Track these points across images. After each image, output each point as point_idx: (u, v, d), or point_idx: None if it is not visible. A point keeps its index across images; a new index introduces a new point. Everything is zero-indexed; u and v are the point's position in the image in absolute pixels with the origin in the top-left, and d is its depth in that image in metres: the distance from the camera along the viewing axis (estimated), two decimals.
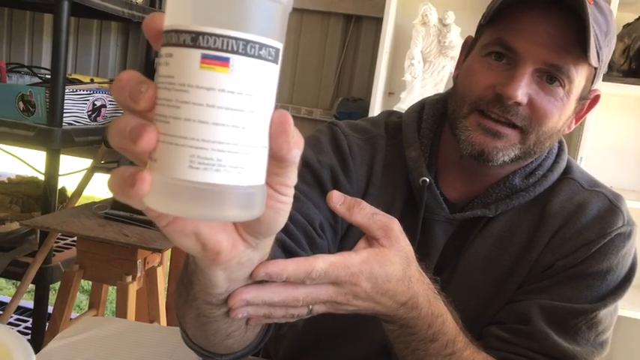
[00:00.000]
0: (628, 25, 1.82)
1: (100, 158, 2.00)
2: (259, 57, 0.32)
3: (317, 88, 2.30)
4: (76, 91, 1.93)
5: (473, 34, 0.80)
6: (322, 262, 0.51)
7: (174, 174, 0.32)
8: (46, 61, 2.53)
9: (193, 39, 0.31)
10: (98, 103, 2.03)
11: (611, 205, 0.77)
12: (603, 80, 1.74)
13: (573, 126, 0.78)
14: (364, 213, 0.55)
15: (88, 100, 1.98)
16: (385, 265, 0.55)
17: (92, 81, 2.09)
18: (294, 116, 1.88)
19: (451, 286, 0.77)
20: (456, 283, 0.78)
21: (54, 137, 1.79)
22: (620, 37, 1.81)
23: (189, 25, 0.31)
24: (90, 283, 2.14)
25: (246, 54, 0.32)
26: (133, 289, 1.56)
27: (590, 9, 0.66)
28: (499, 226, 0.78)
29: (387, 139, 0.84)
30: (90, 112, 1.99)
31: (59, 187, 1.92)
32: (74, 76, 2.10)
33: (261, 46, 0.32)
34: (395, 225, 0.57)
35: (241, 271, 0.46)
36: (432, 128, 0.82)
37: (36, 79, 2.08)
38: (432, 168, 0.81)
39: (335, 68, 2.26)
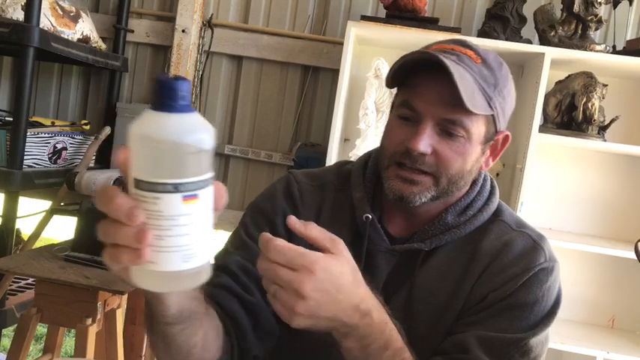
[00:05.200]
0: (560, 82, 2.01)
1: (60, 200, 2.00)
2: (207, 185, 0.51)
3: (276, 133, 2.39)
4: (38, 133, 1.95)
5: None
6: (281, 241, 0.64)
7: (171, 269, 0.50)
8: (2, 102, 2.53)
9: (175, 187, 0.48)
10: (59, 146, 2.05)
11: (534, 244, 0.86)
12: (539, 131, 1.91)
13: (491, 163, 0.90)
14: (317, 228, 0.67)
15: (49, 142, 2.00)
16: (337, 265, 0.66)
17: (53, 124, 2.11)
18: (254, 160, 2.01)
19: (399, 314, 0.83)
20: (403, 311, 0.85)
21: (13, 180, 1.80)
22: (552, 93, 2.00)
23: (164, 178, 0.48)
24: (40, 329, 2.10)
25: (204, 186, 0.50)
26: (93, 331, 1.56)
27: (477, 67, 0.80)
28: (438, 261, 0.87)
29: (337, 184, 0.95)
30: (51, 155, 2.01)
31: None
32: (34, 118, 2.12)
33: (207, 179, 0.51)
34: (341, 241, 0.68)
35: (188, 292, 0.64)
36: (375, 173, 0.93)
37: None
38: (377, 207, 0.91)
39: (294, 115, 2.37)
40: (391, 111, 0.90)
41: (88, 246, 1.66)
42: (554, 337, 2.00)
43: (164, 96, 0.48)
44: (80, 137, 2.16)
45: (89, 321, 1.55)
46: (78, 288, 1.52)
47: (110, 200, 0.49)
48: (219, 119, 2.42)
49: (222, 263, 0.86)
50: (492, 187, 0.93)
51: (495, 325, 0.81)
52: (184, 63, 2.30)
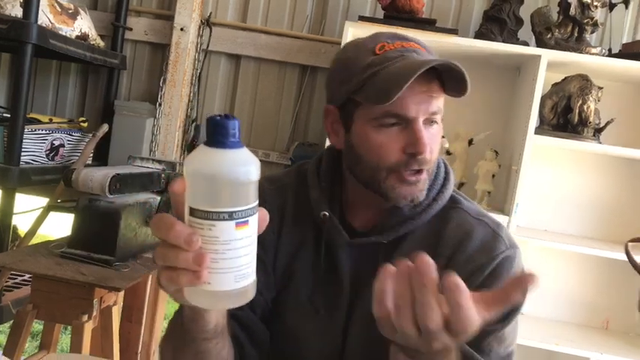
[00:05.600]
0: (556, 84, 2.02)
1: (57, 197, 2.01)
2: (255, 212, 0.56)
3: (274, 132, 2.40)
4: (35, 130, 1.95)
5: None
6: None
7: (225, 288, 0.55)
8: (0, 98, 2.53)
9: (229, 215, 0.53)
10: (57, 143, 2.05)
11: (494, 233, 0.88)
12: (535, 133, 1.93)
13: None
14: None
15: (46, 139, 2.00)
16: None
17: (51, 121, 2.12)
18: None
19: (368, 307, 0.85)
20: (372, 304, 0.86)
21: (10, 176, 1.80)
22: (548, 95, 2.01)
23: (220, 207, 0.53)
24: (36, 326, 2.10)
25: (253, 214, 0.55)
26: (89, 328, 1.56)
27: (432, 54, 0.84)
28: (402, 253, 0.87)
29: (296, 185, 0.96)
30: (48, 152, 2.01)
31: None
32: (32, 115, 2.12)
33: (255, 206, 0.56)
34: None
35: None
36: (329, 172, 0.94)
37: None
38: (336, 204, 0.92)
39: (291, 114, 2.37)
40: (349, 129, 0.87)
41: (84, 243, 1.66)
42: (550, 338, 2.01)
43: (217, 134, 0.53)
44: (78, 134, 2.16)
45: (85, 317, 1.55)
46: (74, 285, 1.52)
47: (170, 228, 0.53)
48: None
49: None
50: (447, 172, 0.93)
51: None
52: (182, 61, 2.30)
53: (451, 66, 0.78)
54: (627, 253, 0.80)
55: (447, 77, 0.81)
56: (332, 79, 0.90)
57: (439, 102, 0.83)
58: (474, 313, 0.58)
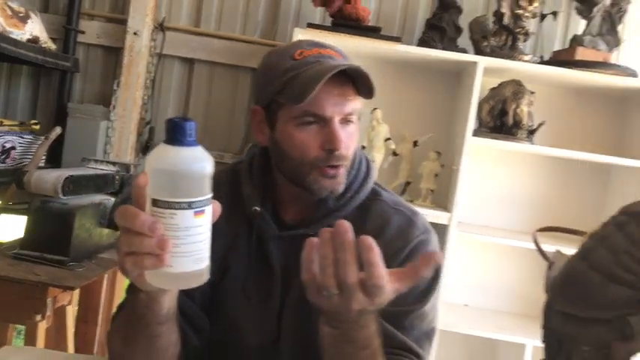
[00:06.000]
0: (493, 89, 2.16)
1: (8, 199, 2.01)
2: (210, 203, 0.63)
3: (228, 134, 2.46)
4: None
5: None
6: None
7: (185, 270, 0.62)
8: None
9: (189, 204, 0.61)
10: (8, 145, 2.06)
11: (409, 220, 0.98)
12: (474, 135, 2.06)
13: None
14: None
15: None
16: None
17: (1, 123, 2.11)
18: None
19: (299, 295, 0.91)
20: (302, 292, 0.94)
21: None
22: (486, 99, 2.14)
23: (180, 198, 0.60)
24: None
25: (209, 204, 0.63)
26: (42, 327, 1.58)
27: (348, 60, 0.93)
28: None
29: (230, 182, 1.03)
30: None
31: None
32: None
33: (209, 198, 0.63)
34: None
35: (174, 292, 0.74)
36: (261, 169, 1.01)
37: None
38: (268, 199, 0.99)
39: (245, 116, 2.44)
40: (273, 127, 0.95)
41: (38, 244, 1.68)
42: (491, 327, 2.15)
43: (177, 133, 0.61)
44: (30, 137, 2.17)
45: (39, 317, 1.57)
46: (27, 285, 1.54)
47: (135, 217, 0.60)
48: None
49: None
50: (368, 167, 1.02)
51: (394, 300, 0.91)
52: (136, 65, 2.34)
53: (358, 71, 0.88)
54: (535, 241, 0.90)
55: (359, 82, 0.91)
56: (257, 81, 0.99)
57: (354, 104, 0.91)
58: (385, 272, 0.67)
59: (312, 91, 0.86)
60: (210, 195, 0.63)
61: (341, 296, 0.67)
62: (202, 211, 0.61)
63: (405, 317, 0.91)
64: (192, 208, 0.61)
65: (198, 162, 0.61)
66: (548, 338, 0.66)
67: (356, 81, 0.91)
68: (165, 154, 0.61)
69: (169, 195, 0.60)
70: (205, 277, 0.65)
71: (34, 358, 0.91)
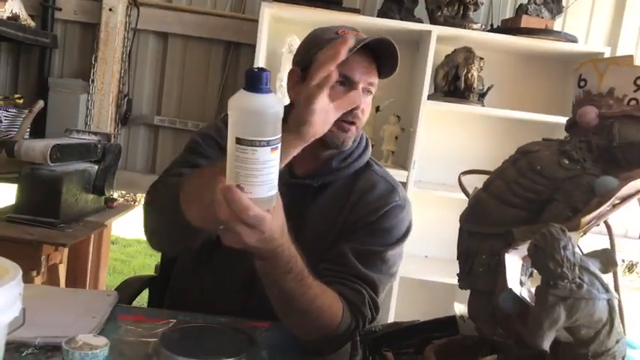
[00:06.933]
0: (447, 55, 2.33)
1: None
2: (280, 141, 0.74)
3: (202, 104, 2.60)
4: None
5: None
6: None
7: (261, 196, 0.74)
8: None
9: (267, 142, 0.71)
10: None
11: (392, 187, 1.21)
12: (429, 99, 2.24)
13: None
14: None
15: None
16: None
17: None
18: (181, 129, 2.28)
19: (300, 236, 1.07)
20: (303, 234, 1.08)
21: None
22: (441, 66, 2.32)
23: (257, 136, 0.71)
24: None
25: (280, 142, 0.74)
26: (38, 283, 1.76)
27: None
28: (324, 197, 1.18)
29: None
30: None
31: None
32: None
33: (280, 137, 0.74)
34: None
35: None
36: None
37: None
38: None
39: (218, 87, 2.58)
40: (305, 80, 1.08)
41: (29, 208, 1.85)
42: (448, 273, 2.35)
43: (257, 82, 0.71)
44: (14, 111, 2.30)
45: (34, 273, 1.75)
46: (22, 243, 1.70)
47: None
48: (147, 92, 2.60)
49: (175, 172, 1.09)
50: (367, 143, 1.24)
51: (364, 241, 1.13)
52: (112, 40, 2.46)
53: (390, 48, 1.07)
54: (459, 182, 1.06)
55: (382, 65, 1.11)
56: (302, 47, 1.17)
57: (375, 79, 1.12)
58: (255, 210, 0.76)
59: (349, 53, 0.97)
60: (280, 135, 0.73)
61: (230, 230, 0.78)
62: (276, 148, 0.73)
63: (370, 256, 1.10)
64: (270, 146, 0.71)
65: (275, 106, 0.72)
66: (460, 256, 0.84)
67: (380, 64, 1.11)
68: (248, 100, 0.71)
69: (251, 134, 0.70)
70: (274, 202, 0.77)
71: (34, 294, 1.07)
